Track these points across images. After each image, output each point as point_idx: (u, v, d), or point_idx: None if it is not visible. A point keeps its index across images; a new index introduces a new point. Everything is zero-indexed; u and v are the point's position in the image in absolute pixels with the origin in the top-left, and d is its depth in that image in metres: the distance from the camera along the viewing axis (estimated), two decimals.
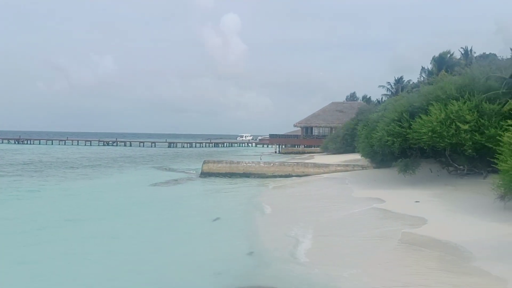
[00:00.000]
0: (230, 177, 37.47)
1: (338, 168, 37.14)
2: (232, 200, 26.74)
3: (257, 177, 36.95)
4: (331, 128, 75.26)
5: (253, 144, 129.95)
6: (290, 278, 11.31)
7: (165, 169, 48.18)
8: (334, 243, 14.57)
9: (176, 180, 36.97)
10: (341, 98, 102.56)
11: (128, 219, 20.60)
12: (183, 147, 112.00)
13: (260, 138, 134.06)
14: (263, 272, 12.12)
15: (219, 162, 40.65)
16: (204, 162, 40.32)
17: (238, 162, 40.44)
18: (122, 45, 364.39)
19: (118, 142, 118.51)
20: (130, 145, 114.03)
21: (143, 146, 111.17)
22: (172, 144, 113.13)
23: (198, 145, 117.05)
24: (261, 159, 45.25)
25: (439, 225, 15.31)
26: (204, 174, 38.75)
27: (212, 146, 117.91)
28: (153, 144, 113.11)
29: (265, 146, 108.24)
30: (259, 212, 21.42)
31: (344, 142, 55.01)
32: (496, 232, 13.90)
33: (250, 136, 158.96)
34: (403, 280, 10.21)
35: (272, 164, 39.88)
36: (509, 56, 26.78)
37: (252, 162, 40.96)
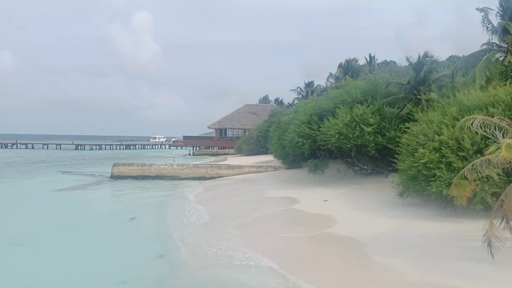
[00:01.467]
0: (142, 180, 36.42)
1: (252, 169, 37.68)
2: (143, 203, 25.95)
3: (171, 179, 36.33)
4: (245, 129, 76.23)
5: (167, 146, 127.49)
6: (202, 280, 11.22)
7: (72, 173, 45.43)
8: (249, 241, 14.69)
9: (84, 184, 35.07)
10: (255, 101, 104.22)
11: (31, 227, 19.10)
12: (92, 149, 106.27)
13: (174, 140, 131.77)
14: (173, 277, 11.87)
15: (130, 164, 39.30)
16: (114, 165, 38.78)
17: (150, 165, 39.42)
18: (22, 40, 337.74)
19: (19, 144, 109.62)
20: (33, 147, 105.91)
21: (47, 148, 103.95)
22: (79, 146, 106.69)
23: (108, 147, 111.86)
24: (174, 161, 44.49)
25: (345, 223, 16.11)
26: (114, 177, 37.27)
27: (123, 148, 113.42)
28: (59, 146, 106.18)
29: (179, 148, 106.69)
30: (171, 215, 21.05)
31: (258, 143, 55.94)
32: (394, 226, 14.98)
33: (164, 137, 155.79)
34: (313, 276, 10.60)
35: (185, 166, 39.41)
36: (407, 64, 28.92)
37: (165, 164, 40.14)
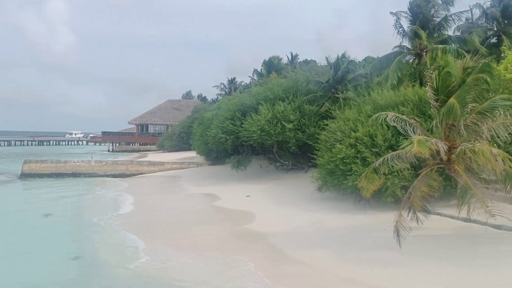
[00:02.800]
0: (56, 178, 34.37)
1: (174, 165, 37.09)
2: (56, 202, 24.49)
3: (88, 177, 34.69)
4: (167, 125, 74.82)
5: (84, 142, 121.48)
6: (122, 281, 10.85)
7: None
8: (166, 241, 14.42)
9: None
10: (177, 96, 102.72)
11: None
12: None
13: (91, 135, 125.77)
14: (88, 279, 11.33)
15: (43, 161, 36.95)
16: (25, 162, 36.24)
17: (65, 162, 37.33)
18: None
19: None
20: None
21: None
22: None
23: (18, 143, 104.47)
24: (92, 158, 42.52)
25: (265, 218, 16.37)
26: (25, 175, 34.82)
27: (35, 144, 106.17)
28: None
29: (98, 144, 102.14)
30: (87, 213, 20.09)
31: (180, 139, 55.16)
32: (313, 220, 15.48)
33: (81, 133, 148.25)
34: (229, 273, 10.65)
35: (104, 163, 37.83)
36: (326, 64, 30.12)
37: (82, 161, 38.29)
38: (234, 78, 70.08)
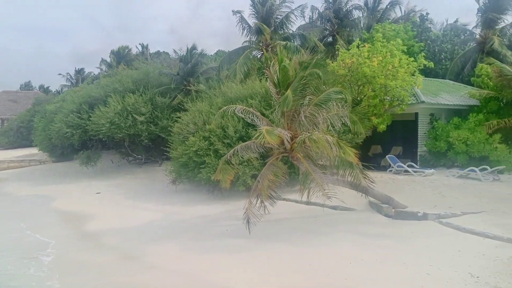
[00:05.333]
0: None
1: (12, 164, 33.38)
2: None
3: None
4: (3, 120, 66.78)
5: None
6: None
7: None
8: None
9: None
10: (15, 87, 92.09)
11: None
12: None
13: None
14: None
15: None
16: None
17: None
18: None
19: None
20: None
21: None
22: None
23: None
24: None
25: (109, 216, 15.65)
26: None
27: None
28: None
29: None
30: None
31: (19, 135, 49.62)
32: (165, 214, 15.33)
33: None
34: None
35: None
36: (179, 55, 29.98)
37: None
38: (82, 69, 65.58)
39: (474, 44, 30.18)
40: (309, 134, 10.58)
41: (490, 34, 28.39)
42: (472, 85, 23.25)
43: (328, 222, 12.56)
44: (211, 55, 44.00)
